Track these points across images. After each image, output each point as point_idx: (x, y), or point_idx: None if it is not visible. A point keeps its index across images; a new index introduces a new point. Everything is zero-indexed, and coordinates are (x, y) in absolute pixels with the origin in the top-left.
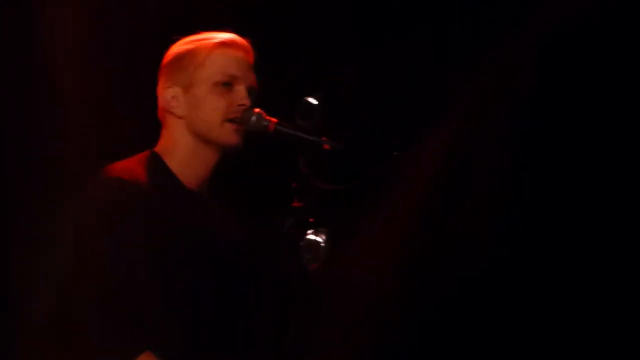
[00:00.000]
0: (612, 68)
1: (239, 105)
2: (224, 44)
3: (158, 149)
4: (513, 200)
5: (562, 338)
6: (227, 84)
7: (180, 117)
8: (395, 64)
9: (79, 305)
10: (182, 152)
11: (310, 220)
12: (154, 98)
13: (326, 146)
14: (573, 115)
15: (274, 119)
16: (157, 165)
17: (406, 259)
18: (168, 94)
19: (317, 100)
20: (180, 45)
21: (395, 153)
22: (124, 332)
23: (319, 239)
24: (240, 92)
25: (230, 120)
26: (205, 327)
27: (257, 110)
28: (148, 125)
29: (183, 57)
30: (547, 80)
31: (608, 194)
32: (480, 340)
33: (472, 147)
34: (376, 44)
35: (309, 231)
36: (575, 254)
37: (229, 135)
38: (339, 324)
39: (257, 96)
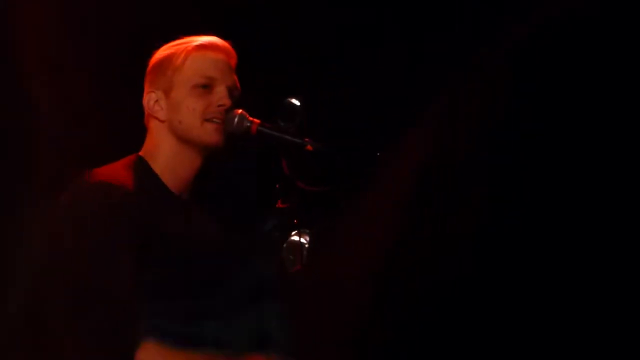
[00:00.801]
0: (600, 64)
1: (219, 106)
2: (202, 46)
3: (143, 152)
4: (498, 199)
5: (562, 337)
6: (206, 86)
7: (162, 121)
8: (378, 64)
9: (64, 312)
10: (166, 155)
11: (294, 221)
12: (138, 102)
13: (309, 147)
14: (564, 114)
15: (256, 120)
16: (142, 168)
17: (390, 259)
18: (151, 98)
19: (299, 101)
20: (162, 51)
21: (378, 153)
22: (121, 330)
23: (302, 240)
24: (220, 93)
25: (209, 120)
26: (189, 328)
27: (239, 111)
28: (131, 129)
29: (163, 62)
30: (535, 78)
31: (603, 190)
32: (470, 340)
33: (455, 146)
34: (359, 44)
35: (293, 233)
36: (571, 250)
37: (209, 134)
38: (322, 326)
39: (240, 98)
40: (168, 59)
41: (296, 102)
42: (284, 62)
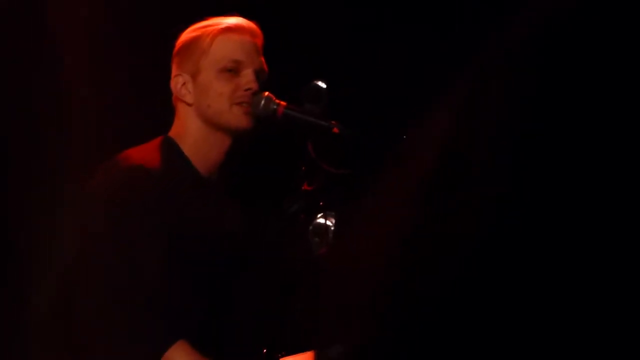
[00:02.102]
0: (614, 58)
1: (247, 89)
2: (228, 29)
3: (172, 134)
4: (513, 189)
5: (562, 337)
6: (233, 70)
7: (190, 104)
8: (399, 49)
9: (104, 300)
10: (194, 138)
11: (320, 204)
12: (166, 86)
13: (335, 130)
14: (574, 110)
15: (283, 103)
16: (172, 150)
17: (412, 242)
18: (178, 82)
19: (325, 84)
20: (188, 33)
21: (403, 136)
22: (156, 323)
23: (328, 222)
24: (248, 76)
25: (238, 104)
26: (215, 313)
27: (265, 93)
28: (159, 112)
29: (189, 45)
30: (549, 72)
31: (608, 190)
32: (490, 322)
33: (476, 128)
34: (381, 27)
35: (318, 215)
36: (572, 248)
37: (237, 118)
38: (345, 308)
39: (266, 79)
40: (194, 42)
41: (322, 84)
42: (308, 45)
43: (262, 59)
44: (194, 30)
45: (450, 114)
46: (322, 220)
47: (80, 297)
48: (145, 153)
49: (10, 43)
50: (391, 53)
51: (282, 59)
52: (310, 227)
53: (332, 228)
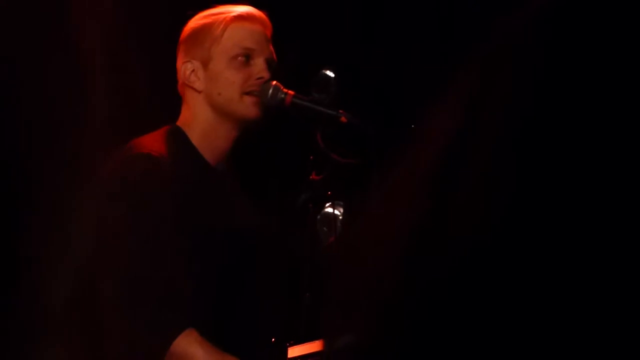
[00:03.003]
0: (624, 54)
1: (258, 79)
2: (240, 17)
3: (180, 122)
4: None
5: (562, 337)
6: (244, 58)
7: (199, 92)
8: (410, 36)
9: (114, 287)
10: (202, 125)
11: (328, 193)
12: (172, 73)
13: (343, 119)
14: (585, 101)
15: (291, 92)
16: (179, 138)
17: (421, 231)
18: (187, 68)
19: (333, 72)
20: (197, 20)
21: (412, 125)
22: (165, 311)
23: (336, 212)
24: (259, 65)
25: (249, 94)
26: (224, 302)
27: (273, 82)
28: (167, 100)
29: (200, 32)
30: (557, 60)
31: (619, 190)
32: (502, 311)
33: (486, 118)
34: (388, 15)
35: (326, 204)
36: (574, 248)
37: (248, 108)
38: (353, 298)
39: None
40: (206, 29)
41: (330, 73)
42: (316, 34)
43: (272, 49)
44: (204, 18)
45: (463, 99)
46: (330, 210)
47: (95, 287)
48: (154, 142)
49: (26, 34)
50: (398, 42)
51: (288, 49)
52: (319, 217)
53: (340, 217)
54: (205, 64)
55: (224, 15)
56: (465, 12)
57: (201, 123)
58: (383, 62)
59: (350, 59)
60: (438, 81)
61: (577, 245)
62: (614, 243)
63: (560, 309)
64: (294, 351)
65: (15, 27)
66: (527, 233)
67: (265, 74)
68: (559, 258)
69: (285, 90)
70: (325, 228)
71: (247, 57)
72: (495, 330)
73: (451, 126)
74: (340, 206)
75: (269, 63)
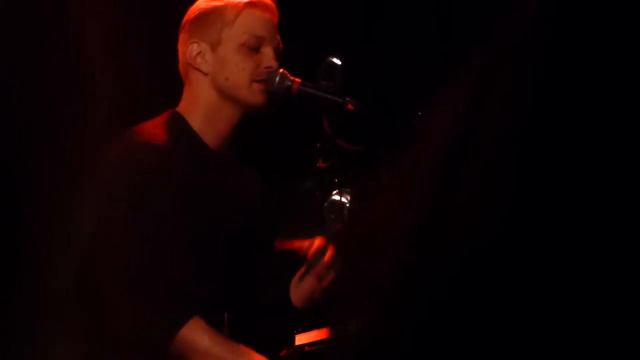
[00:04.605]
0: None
1: (266, 67)
2: (253, 4)
3: (180, 108)
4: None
5: (562, 337)
6: (254, 46)
7: (205, 74)
8: (414, 26)
9: (117, 279)
10: (205, 109)
11: (335, 180)
12: (173, 71)
13: (350, 106)
14: (585, 101)
15: (297, 79)
16: (180, 125)
17: (427, 220)
18: (193, 49)
19: (340, 60)
20: (207, 2)
21: (419, 113)
22: (171, 300)
23: (343, 199)
24: (268, 54)
25: (257, 81)
26: (227, 287)
27: (280, 70)
28: (167, 100)
29: (210, 14)
30: (559, 57)
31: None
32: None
33: (490, 108)
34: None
35: (333, 192)
36: (576, 247)
37: (255, 95)
38: (360, 286)
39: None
40: (217, 11)
41: (337, 61)
42: (316, 34)
43: (279, 37)
44: (212, 0)
45: (466, 88)
46: (337, 197)
47: (97, 280)
48: (154, 129)
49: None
50: (398, 42)
51: (294, 37)
52: (326, 204)
53: (348, 205)
54: (214, 47)
55: (236, 1)
56: (465, 12)
57: (204, 106)
58: (383, 62)
59: (351, 59)
60: (438, 81)
61: (577, 245)
62: (615, 243)
63: (560, 309)
64: (301, 338)
65: (15, 27)
66: (527, 233)
67: (274, 64)
68: (559, 258)
69: (292, 78)
70: (332, 215)
71: (257, 45)
72: (495, 330)
73: (451, 126)
74: (347, 194)
75: (277, 52)
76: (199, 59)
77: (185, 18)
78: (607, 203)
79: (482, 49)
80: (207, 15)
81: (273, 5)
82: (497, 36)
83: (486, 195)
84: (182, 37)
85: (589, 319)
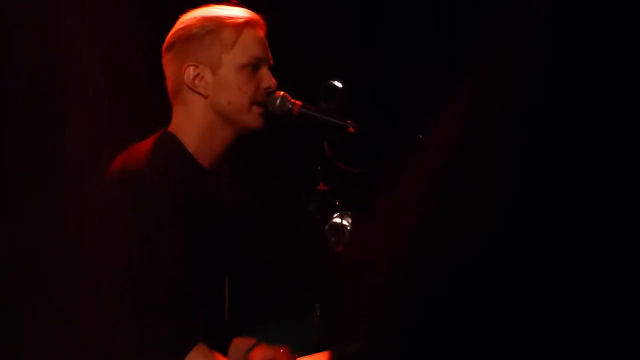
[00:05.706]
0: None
1: (266, 88)
2: (249, 24)
3: (172, 128)
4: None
5: (562, 337)
6: (252, 67)
7: (205, 97)
8: (415, 44)
9: (122, 304)
10: (199, 130)
11: (336, 203)
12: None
13: (351, 129)
14: (586, 101)
15: (298, 102)
16: (174, 146)
17: (427, 239)
18: (190, 72)
19: (341, 82)
20: (196, 21)
21: (420, 135)
22: (176, 327)
23: (344, 222)
24: (266, 74)
25: (258, 104)
26: (221, 308)
27: (281, 93)
28: (167, 101)
29: (206, 36)
30: (563, 60)
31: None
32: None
33: (491, 126)
34: (392, 21)
35: (335, 214)
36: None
37: (255, 118)
38: (361, 307)
39: (280, 80)
40: (214, 34)
41: (338, 83)
42: (322, 43)
43: (271, 55)
44: (206, 21)
45: (460, 104)
46: (338, 220)
47: (101, 304)
48: (147, 150)
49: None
50: (398, 42)
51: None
52: (327, 227)
53: (348, 227)
54: (214, 70)
55: (232, 21)
56: (466, 12)
57: (199, 126)
58: (383, 63)
59: (351, 59)
60: (439, 82)
61: (577, 246)
62: (615, 243)
63: (560, 309)
64: None
65: (15, 26)
66: (527, 233)
67: (273, 84)
68: (559, 258)
69: (292, 100)
70: (333, 238)
71: (256, 66)
72: (495, 330)
73: (453, 127)
74: (349, 216)
75: (271, 70)
76: (197, 82)
77: (174, 37)
78: (606, 203)
79: (483, 51)
80: (201, 37)
81: (262, 21)
82: (498, 37)
83: (486, 196)
84: (171, 57)
85: (588, 318)
